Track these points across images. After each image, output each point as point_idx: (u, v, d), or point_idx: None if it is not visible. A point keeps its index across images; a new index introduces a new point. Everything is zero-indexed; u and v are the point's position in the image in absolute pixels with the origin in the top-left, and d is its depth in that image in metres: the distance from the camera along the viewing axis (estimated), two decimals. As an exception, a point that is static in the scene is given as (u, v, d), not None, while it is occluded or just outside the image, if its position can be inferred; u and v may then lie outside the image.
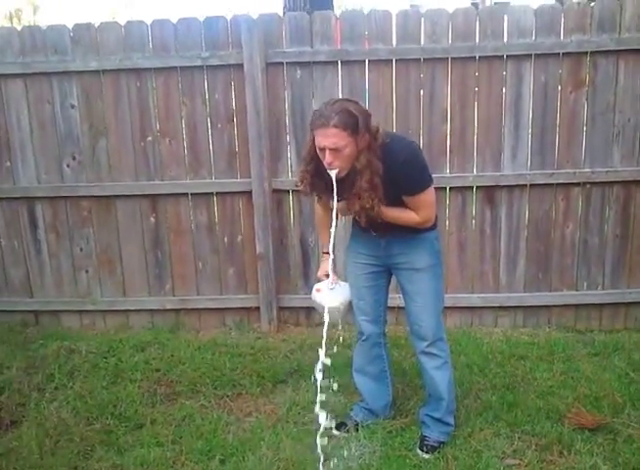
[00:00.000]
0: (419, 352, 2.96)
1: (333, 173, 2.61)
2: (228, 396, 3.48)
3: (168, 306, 4.42)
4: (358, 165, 2.58)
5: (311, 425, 3.15)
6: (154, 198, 4.32)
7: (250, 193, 4.22)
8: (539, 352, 3.85)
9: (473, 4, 22.15)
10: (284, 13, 7.01)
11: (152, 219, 4.35)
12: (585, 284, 4.22)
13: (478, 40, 3.98)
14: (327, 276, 3.01)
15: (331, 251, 2.83)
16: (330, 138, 2.52)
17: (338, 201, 2.69)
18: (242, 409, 3.37)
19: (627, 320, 4.24)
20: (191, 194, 4.31)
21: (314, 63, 4.09)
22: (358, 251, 2.97)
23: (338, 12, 4.13)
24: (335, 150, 2.54)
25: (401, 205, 2.73)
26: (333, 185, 2.62)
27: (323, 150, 2.57)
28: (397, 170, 2.61)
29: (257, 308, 4.37)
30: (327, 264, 3.02)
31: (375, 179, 2.59)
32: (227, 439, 3.06)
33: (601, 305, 4.23)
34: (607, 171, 4.06)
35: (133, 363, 3.83)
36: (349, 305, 3.02)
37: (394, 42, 4.04)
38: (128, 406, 3.34)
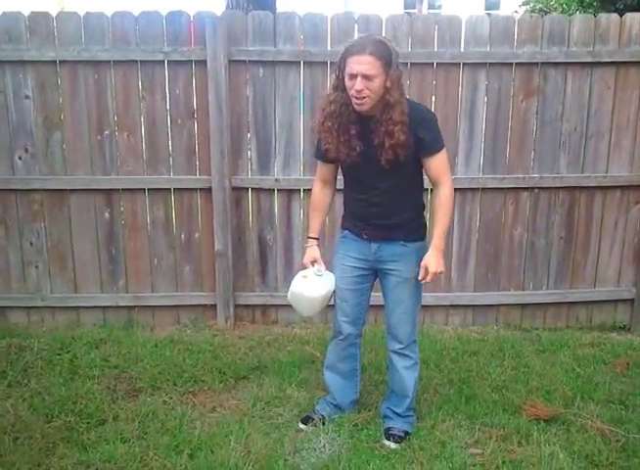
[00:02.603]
0: (392, 350, 3.04)
1: (359, 105, 2.66)
2: (190, 391, 3.46)
3: (121, 303, 4.34)
4: (391, 99, 2.64)
5: (277, 419, 3.20)
6: (109, 193, 4.25)
7: (208, 190, 4.21)
8: (490, 349, 4.01)
9: (407, 13, 22.72)
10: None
11: (106, 214, 4.27)
12: (531, 284, 4.42)
13: (436, 47, 4.12)
14: (313, 263, 3.03)
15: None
16: (364, 65, 2.57)
17: (359, 148, 2.74)
18: (205, 405, 3.35)
19: (569, 319, 4.47)
20: (148, 189, 4.26)
21: (277, 62, 4.12)
22: (347, 253, 2.99)
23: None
24: (366, 78, 2.58)
25: (412, 178, 2.86)
26: (353, 126, 2.73)
27: (354, 78, 2.60)
28: (422, 124, 2.72)
29: (213, 306, 4.36)
30: (314, 250, 3.06)
31: (405, 116, 2.65)
32: (193, 434, 3.04)
33: (545, 305, 4.44)
34: (554, 177, 4.27)
35: (89, 360, 3.75)
36: (330, 297, 3.04)
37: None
38: (89, 403, 3.27)
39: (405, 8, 23.76)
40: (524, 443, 2.99)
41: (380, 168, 2.75)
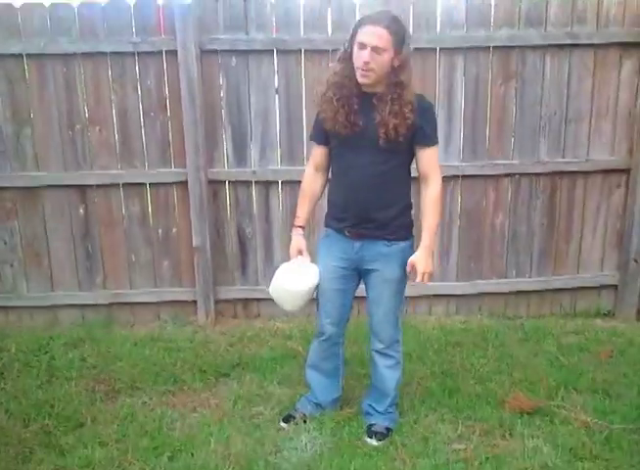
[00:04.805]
0: (374, 349, 2.98)
1: (362, 78, 2.60)
2: (170, 391, 3.40)
3: (100, 301, 4.27)
4: (403, 78, 2.60)
5: (258, 418, 3.15)
6: (83, 188, 4.15)
7: (184, 183, 4.13)
8: (473, 339, 3.97)
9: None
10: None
11: (81, 211, 4.18)
12: (514, 272, 4.38)
13: (412, 31, 4.02)
14: (299, 253, 2.94)
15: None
16: (375, 37, 2.52)
17: (358, 122, 2.67)
18: (185, 405, 3.29)
19: (553, 306, 4.44)
20: (122, 184, 4.17)
21: (250, 51, 4.03)
22: (330, 252, 2.90)
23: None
24: (375, 50, 2.53)
25: (401, 168, 2.77)
26: (354, 100, 2.65)
27: (364, 48, 2.54)
28: (424, 114, 2.69)
29: (193, 302, 4.29)
30: (299, 240, 2.96)
31: (414, 98, 2.64)
32: (173, 435, 2.99)
33: (529, 293, 4.41)
34: (534, 163, 4.22)
35: (67, 361, 3.68)
36: (314, 290, 2.94)
37: (330, 31, 4.03)
38: (66, 406, 3.21)
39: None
40: (507, 436, 2.96)
41: (374, 148, 2.66)
